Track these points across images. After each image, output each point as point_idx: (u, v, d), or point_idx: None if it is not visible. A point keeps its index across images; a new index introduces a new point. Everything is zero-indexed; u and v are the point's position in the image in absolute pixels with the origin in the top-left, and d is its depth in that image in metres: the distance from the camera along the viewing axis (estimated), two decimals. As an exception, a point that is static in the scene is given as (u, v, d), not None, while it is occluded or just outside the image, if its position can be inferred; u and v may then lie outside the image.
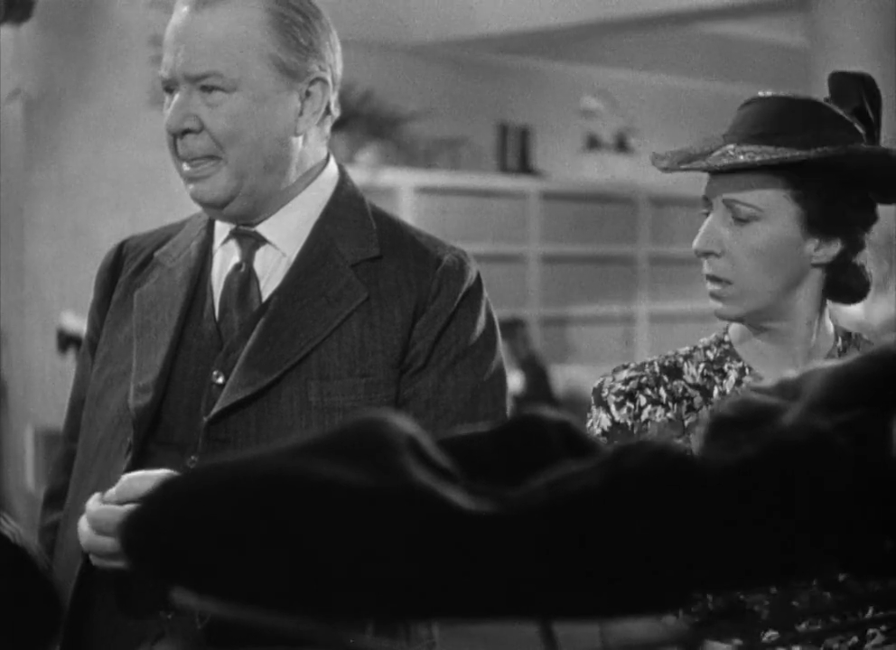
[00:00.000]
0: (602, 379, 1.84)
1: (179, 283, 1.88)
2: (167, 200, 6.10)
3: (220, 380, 1.81)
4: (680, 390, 1.82)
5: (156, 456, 1.80)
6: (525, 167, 9.37)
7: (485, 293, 1.87)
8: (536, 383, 7.84)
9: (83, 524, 1.74)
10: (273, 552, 0.75)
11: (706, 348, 1.86)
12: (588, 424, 1.82)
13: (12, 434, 6.37)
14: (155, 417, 1.82)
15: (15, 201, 6.35)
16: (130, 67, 6.52)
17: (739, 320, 1.81)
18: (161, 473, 1.69)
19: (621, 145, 9.83)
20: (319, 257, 1.84)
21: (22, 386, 6.38)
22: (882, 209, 1.82)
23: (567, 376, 8.51)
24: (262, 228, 1.86)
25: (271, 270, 1.86)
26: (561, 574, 0.75)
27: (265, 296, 1.84)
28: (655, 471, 0.77)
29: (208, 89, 1.79)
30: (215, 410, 1.78)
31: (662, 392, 1.82)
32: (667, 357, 1.86)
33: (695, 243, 1.79)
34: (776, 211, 1.75)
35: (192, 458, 1.78)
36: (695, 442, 1.79)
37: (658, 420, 1.80)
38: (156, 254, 1.94)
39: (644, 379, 1.82)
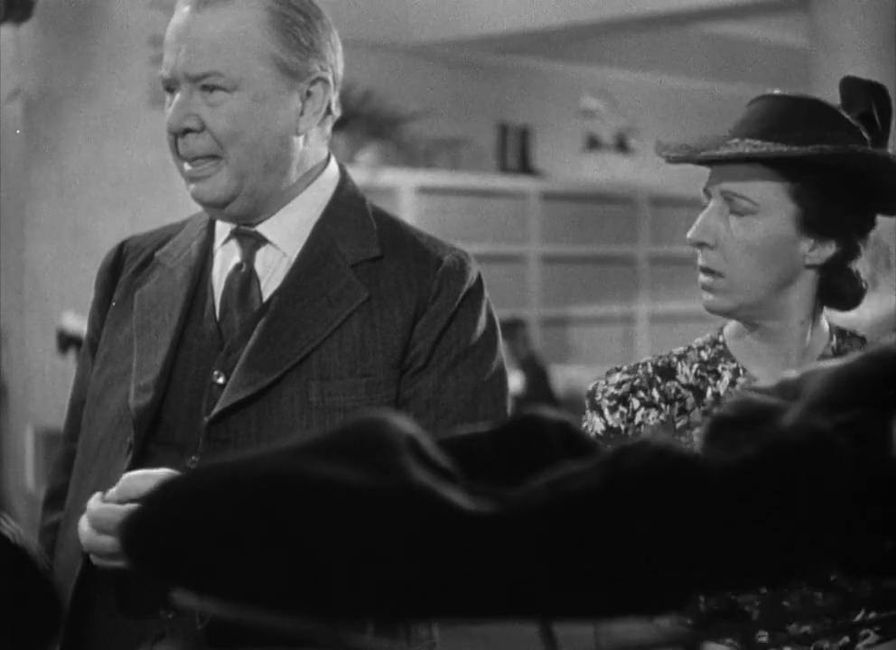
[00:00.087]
0: (595, 382, 1.84)
1: (179, 282, 1.88)
2: (167, 200, 6.11)
3: (221, 380, 1.81)
4: (673, 391, 1.82)
5: (157, 456, 1.80)
6: (525, 167, 9.37)
7: (486, 294, 1.87)
8: (536, 383, 7.84)
9: (83, 524, 1.74)
10: (273, 553, 0.75)
11: (700, 348, 1.86)
12: (582, 428, 1.82)
13: (12, 434, 6.37)
14: (156, 417, 1.82)
15: (15, 201, 6.35)
16: (130, 67, 6.52)
17: (728, 313, 1.80)
18: (162, 472, 1.70)
19: (621, 145, 9.83)
20: (320, 257, 1.84)
21: (22, 386, 6.38)
22: None
23: (567, 377, 8.51)
24: (263, 228, 1.86)
25: (272, 270, 1.86)
26: (561, 574, 0.75)
27: (265, 296, 1.84)
28: (655, 471, 0.77)
29: (209, 89, 1.79)
30: (216, 410, 1.78)
31: (655, 393, 1.81)
32: (660, 357, 1.86)
33: (690, 233, 1.79)
34: (773, 207, 1.75)
35: (193, 458, 1.78)
36: (686, 444, 1.80)
37: (652, 422, 1.80)
38: (157, 254, 1.94)
39: (637, 382, 1.82)
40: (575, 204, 9.33)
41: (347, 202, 1.89)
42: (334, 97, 1.87)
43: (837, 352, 1.82)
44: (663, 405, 1.81)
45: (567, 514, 0.76)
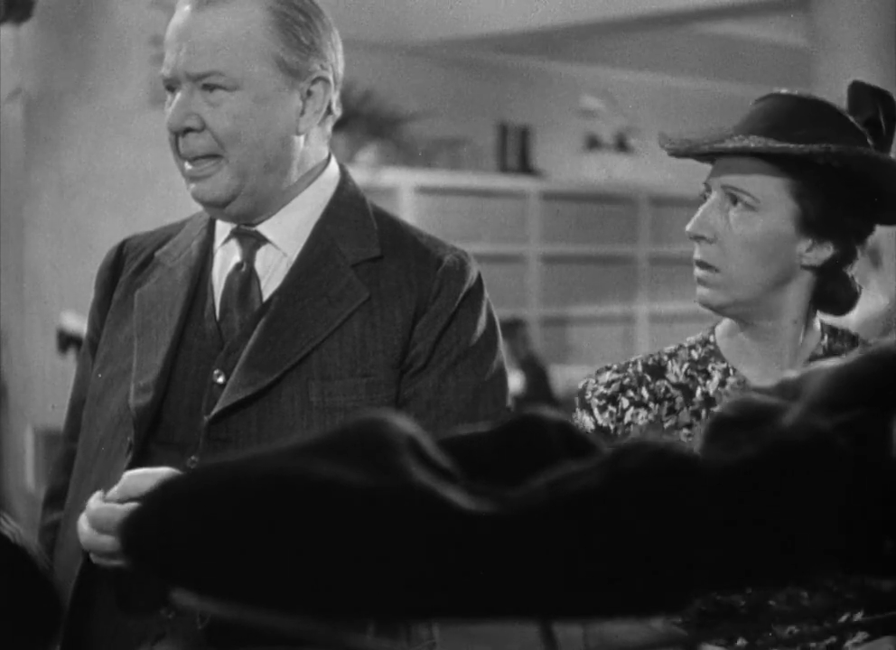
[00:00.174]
0: (585, 381, 1.84)
1: (180, 282, 1.88)
2: (167, 200, 6.10)
3: (221, 380, 1.81)
4: (663, 390, 1.82)
5: (157, 456, 1.80)
6: (525, 167, 9.37)
7: (486, 294, 1.87)
8: (536, 383, 7.84)
9: (83, 523, 1.74)
10: (273, 553, 0.75)
11: (691, 347, 1.85)
12: None
13: (12, 434, 6.37)
14: (156, 417, 1.82)
15: (15, 201, 6.35)
16: (130, 67, 6.52)
17: (721, 309, 1.80)
18: (162, 471, 1.70)
19: (621, 145, 9.83)
20: (320, 257, 1.84)
21: (22, 386, 6.38)
22: None
23: (567, 376, 8.51)
24: (263, 228, 1.86)
25: (272, 270, 1.86)
26: (561, 574, 0.75)
27: (265, 296, 1.84)
28: (655, 471, 0.77)
29: (209, 88, 1.79)
30: (216, 410, 1.78)
31: (644, 392, 1.81)
32: (651, 355, 1.86)
33: (689, 226, 1.79)
34: (773, 205, 1.74)
35: (193, 458, 1.78)
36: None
37: (641, 422, 1.80)
38: (157, 253, 1.94)
39: (627, 381, 1.82)
40: (575, 204, 9.33)
41: (347, 202, 1.89)
42: (335, 96, 1.87)
43: (829, 352, 1.81)
44: (652, 405, 1.81)
45: (567, 514, 0.76)
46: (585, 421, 1.81)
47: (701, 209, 1.78)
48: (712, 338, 1.85)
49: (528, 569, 0.75)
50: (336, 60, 1.86)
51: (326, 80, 1.84)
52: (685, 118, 10.02)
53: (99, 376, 1.91)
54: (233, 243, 1.88)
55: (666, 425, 1.81)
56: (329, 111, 1.87)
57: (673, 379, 1.82)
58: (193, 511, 0.76)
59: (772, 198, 1.74)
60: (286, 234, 1.86)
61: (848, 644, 1.68)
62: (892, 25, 6.95)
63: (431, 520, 0.75)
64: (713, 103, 9.58)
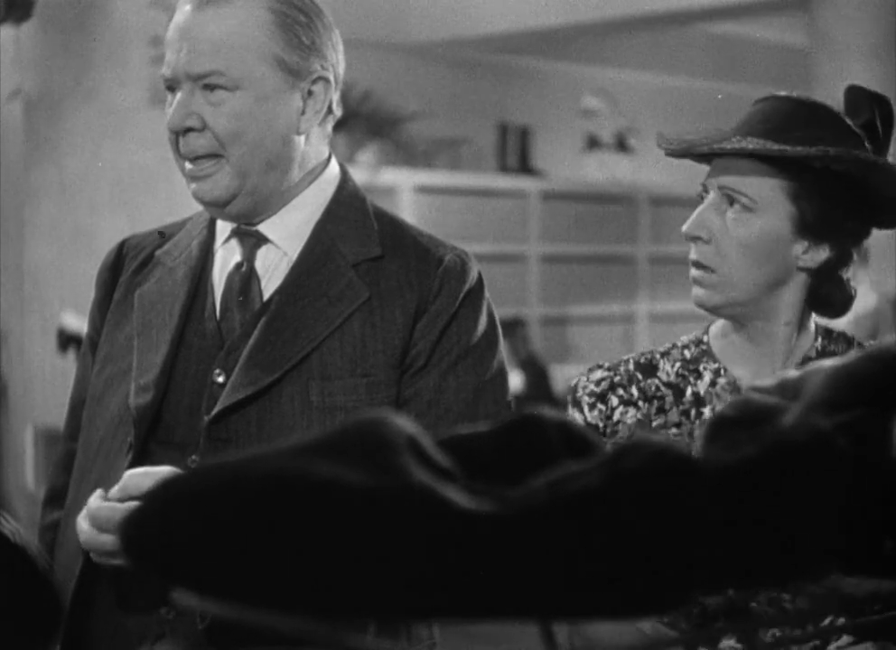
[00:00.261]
0: (577, 379, 1.85)
1: (180, 282, 1.88)
2: (167, 200, 6.11)
3: (221, 379, 1.81)
4: (653, 388, 1.82)
5: (157, 455, 1.80)
6: (525, 167, 9.37)
7: (486, 293, 1.87)
8: (536, 383, 7.84)
9: (82, 522, 1.74)
10: (273, 552, 0.75)
11: (685, 346, 1.86)
12: None
13: (12, 434, 6.37)
14: (156, 416, 1.82)
15: (15, 201, 6.35)
16: (130, 67, 6.52)
17: (715, 309, 1.80)
18: (163, 470, 1.69)
19: (621, 145, 9.83)
20: (320, 257, 1.84)
21: (22, 386, 6.38)
22: None
23: (567, 376, 8.50)
24: (263, 228, 1.86)
25: (272, 269, 1.86)
26: (561, 574, 0.75)
27: (266, 295, 1.84)
28: (655, 471, 0.77)
29: (210, 88, 1.79)
30: (216, 409, 1.78)
31: (634, 391, 1.82)
32: (643, 354, 1.86)
33: (685, 226, 1.79)
34: (770, 206, 1.74)
35: (193, 457, 1.78)
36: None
37: (629, 421, 1.81)
38: (157, 253, 1.94)
39: (617, 379, 1.82)
40: (575, 204, 9.33)
41: (348, 202, 1.89)
42: (335, 96, 1.87)
43: (822, 354, 1.81)
44: (641, 403, 1.81)
45: (567, 514, 0.76)
46: (576, 418, 1.81)
47: (698, 210, 1.78)
48: (705, 338, 1.85)
49: (528, 569, 0.75)
50: (337, 60, 1.86)
51: (327, 80, 1.84)
52: (685, 118, 10.02)
53: (99, 375, 1.91)
54: (233, 242, 1.88)
55: (654, 424, 1.81)
56: (329, 111, 1.87)
57: (664, 378, 1.83)
58: (194, 510, 0.76)
59: (769, 199, 1.74)
60: (287, 233, 1.86)
61: (831, 647, 1.68)
62: (892, 25, 6.95)
63: (431, 520, 0.75)
64: (712, 103, 9.57)
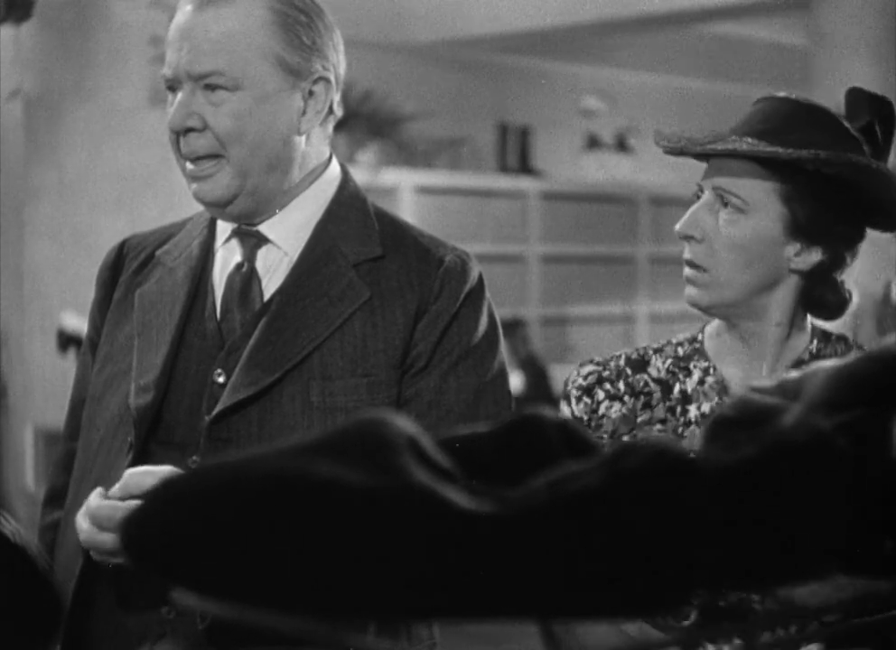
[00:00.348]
0: (570, 373, 1.86)
1: (180, 282, 1.88)
2: (167, 200, 6.11)
3: (222, 380, 1.81)
4: (641, 384, 1.83)
5: (157, 455, 1.79)
6: (525, 167, 9.37)
7: (487, 294, 1.87)
8: (536, 383, 7.84)
9: (82, 521, 1.74)
10: (273, 552, 0.75)
11: (679, 344, 1.86)
12: None
13: (12, 434, 6.37)
14: (156, 417, 1.82)
15: (15, 202, 6.35)
16: (130, 67, 6.52)
17: (706, 309, 1.80)
18: (164, 470, 1.69)
19: (621, 145, 9.83)
20: (321, 257, 1.84)
21: (22, 386, 6.38)
22: None
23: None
24: (264, 228, 1.86)
25: (273, 269, 1.86)
26: (561, 574, 0.75)
27: (266, 296, 1.84)
28: (655, 471, 0.77)
29: (211, 88, 1.79)
30: (217, 409, 1.78)
31: (621, 385, 1.83)
32: (637, 349, 1.87)
33: (678, 225, 1.80)
34: (762, 208, 1.75)
35: (194, 457, 1.78)
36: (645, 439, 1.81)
37: (614, 415, 1.81)
38: (158, 253, 1.94)
39: (606, 373, 1.83)
40: (575, 204, 9.33)
41: (348, 202, 1.89)
42: (336, 96, 1.87)
43: (816, 356, 1.80)
44: (627, 398, 1.82)
45: (567, 514, 0.76)
46: (564, 411, 1.83)
47: (691, 209, 1.79)
48: (699, 337, 1.86)
49: (528, 569, 0.75)
50: (338, 61, 1.86)
51: (328, 80, 1.84)
52: (685, 118, 10.02)
53: (100, 375, 1.91)
54: (234, 242, 1.88)
55: (639, 419, 1.82)
56: (330, 111, 1.87)
57: (654, 374, 1.83)
58: (194, 510, 0.76)
59: (762, 201, 1.74)
60: (287, 234, 1.86)
61: None
62: (893, 25, 6.95)
63: (431, 520, 0.75)
64: (712, 103, 9.58)
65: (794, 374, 0.89)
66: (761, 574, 0.79)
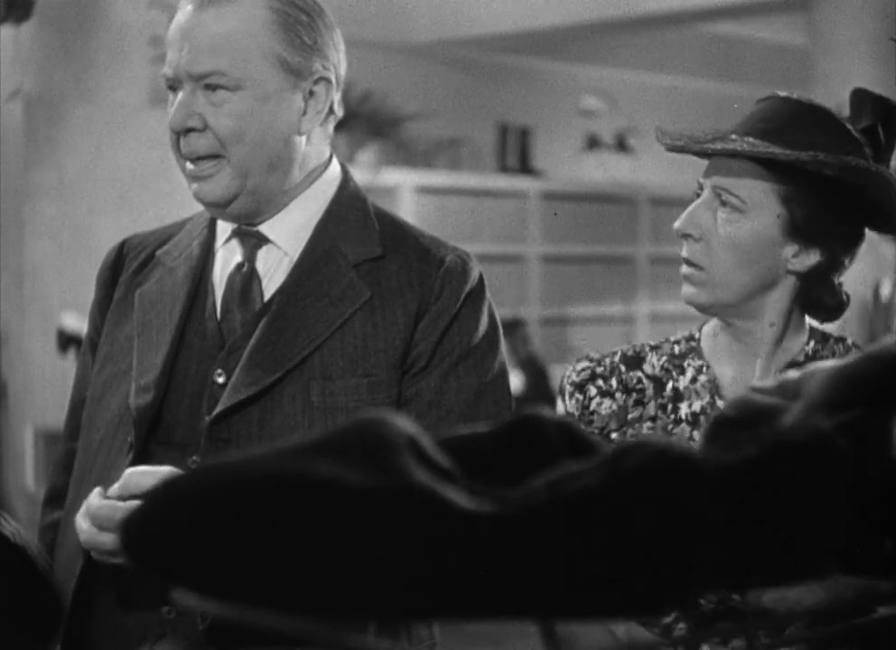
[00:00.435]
0: (566, 368, 1.87)
1: (180, 282, 1.88)
2: (167, 200, 6.10)
3: (222, 380, 1.81)
4: (634, 381, 1.83)
5: (157, 456, 1.79)
6: (525, 167, 9.37)
7: (487, 294, 1.87)
8: (536, 383, 7.84)
9: (81, 520, 1.74)
10: (273, 553, 0.75)
11: (676, 341, 1.87)
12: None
13: (12, 434, 6.37)
14: (156, 417, 1.82)
15: (15, 201, 6.35)
16: (130, 67, 6.52)
17: (702, 307, 1.80)
18: (164, 470, 1.70)
19: (621, 145, 9.83)
20: (321, 257, 1.84)
21: (22, 386, 6.38)
22: None
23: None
24: (264, 228, 1.86)
25: (273, 269, 1.86)
26: (561, 574, 0.75)
27: (267, 296, 1.84)
28: (655, 471, 0.77)
29: (211, 88, 1.79)
30: (217, 410, 1.78)
31: (614, 382, 1.83)
32: (634, 346, 1.87)
33: (677, 222, 1.80)
34: (761, 208, 1.74)
35: (194, 458, 1.78)
36: (631, 437, 1.82)
37: (604, 412, 1.82)
38: (158, 253, 1.94)
39: (600, 370, 1.84)
40: (575, 204, 9.33)
41: (349, 202, 1.89)
42: (337, 96, 1.87)
43: (811, 357, 1.80)
44: (618, 395, 1.82)
45: (567, 514, 0.76)
46: (559, 407, 1.84)
47: (690, 207, 1.79)
48: (697, 335, 1.86)
49: (528, 569, 0.75)
50: (338, 61, 1.86)
51: (328, 80, 1.84)
52: (685, 118, 10.01)
53: (100, 375, 1.91)
54: (234, 243, 1.88)
55: (630, 416, 1.82)
56: (331, 111, 1.86)
57: (649, 370, 1.84)
58: (194, 510, 0.76)
59: (760, 201, 1.74)
60: (288, 234, 1.86)
61: None
62: (892, 25, 6.95)
63: (431, 520, 0.75)
64: (712, 103, 9.57)
65: (794, 374, 0.89)
66: (761, 574, 0.79)
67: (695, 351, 1.84)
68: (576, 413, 1.83)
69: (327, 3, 1.89)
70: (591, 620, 0.77)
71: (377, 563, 0.74)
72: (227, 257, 1.88)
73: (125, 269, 1.96)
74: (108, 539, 1.70)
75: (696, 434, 1.79)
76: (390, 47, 8.63)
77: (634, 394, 1.83)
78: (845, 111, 1.80)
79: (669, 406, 1.82)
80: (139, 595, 1.78)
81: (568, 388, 1.85)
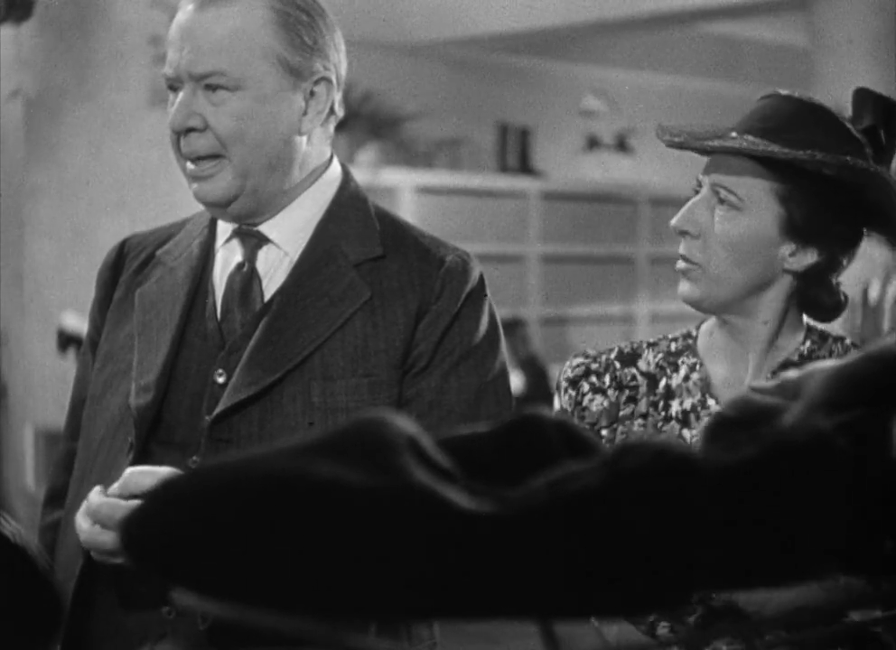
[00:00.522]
0: (564, 365, 1.88)
1: (180, 281, 1.88)
2: (167, 201, 6.11)
3: (222, 380, 1.81)
4: (629, 377, 1.84)
5: (157, 456, 1.80)
6: (525, 167, 9.37)
7: (488, 294, 1.87)
8: (536, 383, 7.84)
9: (82, 521, 1.74)
10: (273, 553, 0.75)
11: (674, 339, 1.87)
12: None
13: (12, 434, 6.37)
14: (156, 417, 1.82)
15: (15, 201, 6.35)
16: (130, 67, 6.52)
17: (698, 304, 1.80)
18: (164, 470, 1.70)
19: (621, 145, 9.83)
20: (322, 257, 1.84)
21: (22, 386, 6.38)
22: None
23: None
24: (265, 228, 1.86)
25: (273, 269, 1.86)
26: (561, 574, 0.75)
27: (267, 296, 1.84)
28: (655, 471, 0.77)
29: (212, 88, 1.79)
30: (218, 410, 1.78)
31: (607, 379, 1.83)
32: (632, 343, 1.88)
33: (675, 219, 1.80)
34: (758, 206, 1.74)
35: (194, 458, 1.78)
36: (622, 434, 1.82)
37: (595, 409, 1.82)
38: (158, 252, 1.94)
39: (594, 366, 1.84)
40: (575, 204, 9.32)
41: (349, 202, 1.89)
42: (337, 96, 1.87)
43: (806, 358, 1.79)
44: (611, 392, 1.83)
45: (567, 514, 0.76)
46: (555, 402, 1.85)
47: (688, 204, 1.79)
48: (694, 333, 1.86)
49: (528, 569, 0.75)
50: (339, 61, 1.86)
51: (329, 81, 1.84)
52: (685, 118, 9.99)
53: (100, 375, 1.91)
54: (235, 242, 1.88)
55: (621, 413, 1.82)
56: (331, 111, 1.86)
57: (644, 367, 1.84)
58: (194, 511, 0.76)
59: (758, 200, 1.74)
60: (288, 234, 1.86)
61: None
62: (892, 25, 6.95)
63: (431, 520, 0.75)
64: (712, 103, 9.58)
65: (794, 374, 0.89)
66: (761, 574, 0.79)
67: (691, 349, 1.84)
68: (569, 409, 1.83)
69: (327, 3, 1.89)
70: (591, 620, 0.77)
71: (377, 563, 0.75)
72: (227, 257, 1.88)
73: (125, 269, 1.96)
74: (109, 538, 1.70)
75: (686, 432, 1.78)
76: (390, 47, 8.64)
77: (627, 391, 1.83)
78: (845, 111, 1.80)
79: (661, 404, 1.82)
80: (139, 595, 1.78)
81: (564, 384, 1.85)
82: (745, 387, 1.79)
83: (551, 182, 9.31)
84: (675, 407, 1.81)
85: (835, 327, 1.88)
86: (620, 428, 1.81)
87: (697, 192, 1.80)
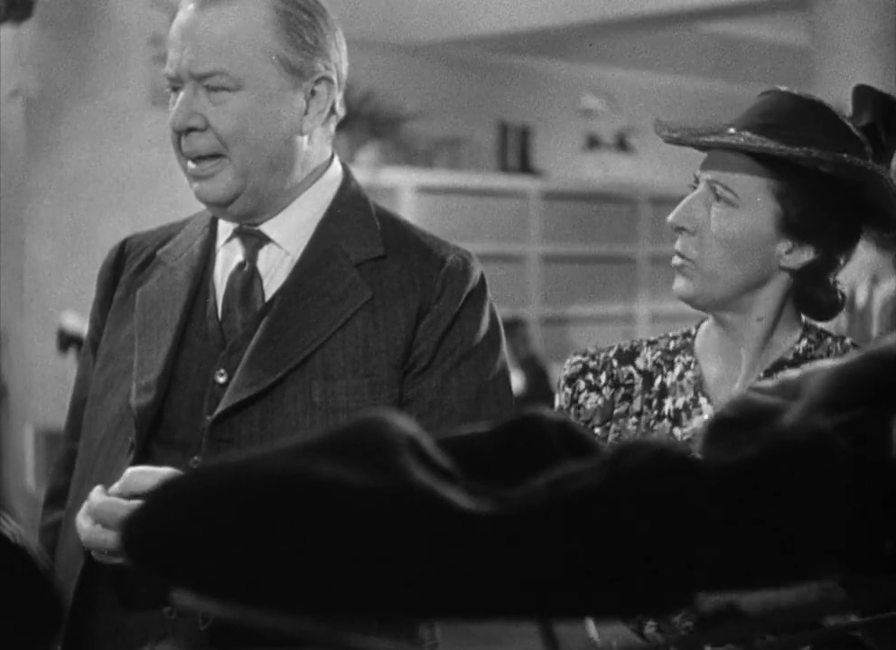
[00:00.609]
0: (564, 363, 1.88)
1: (181, 281, 1.88)
2: (167, 200, 6.10)
3: (223, 380, 1.81)
4: (625, 376, 1.84)
5: (158, 456, 1.79)
6: (525, 167, 9.37)
7: (489, 294, 1.87)
8: (536, 383, 7.84)
9: (82, 520, 1.74)
10: (274, 553, 0.75)
11: (673, 337, 1.87)
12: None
13: (12, 434, 6.37)
14: (157, 417, 1.82)
15: (15, 201, 6.35)
16: (130, 67, 6.52)
17: (693, 301, 1.80)
18: (165, 470, 1.70)
19: (621, 145, 9.83)
20: (323, 257, 1.84)
21: (22, 386, 6.38)
22: None
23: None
24: (266, 227, 1.86)
25: (274, 269, 1.86)
26: (561, 574, 0.75)
27: (268, 295, 1.84)
28: (655, 471, 0.77)
29: (213, 88, 1.79)
30: (219, 410, 1.78)
31: (603, 377, 1.83)
32: (632, 341, 1.88)
33: (671, 215, 1.80)
34: (754, 204, 1.74)
35: (195, 458, 1.78)
36: (615, 432, 1.82)
37: (590, 406, 1.82)
38: (159, 252, 1.94)
39: (592, 364, 1.85)
40: (575, 204, 9.32)
41: (350, 202, 1.89)
42: (338, 96, 1.87)
43: (801, 357, 1.78)
44: (606, 390, 1.83)
45: (567, 514, 0.76)
46: (555, 399, 1.85)
47: (685, 200, 1.79)
48: (693, 332, 1.86)
49: (528, 569, 0.75)
50: (340, 60, 1.86)
51: (330, 80, 1.84)
52: (684, 117, 10.00)
53: (101, 374, 1.91)
54: (235, 242, 1.88)
55: (616, 411, 1.82)
56: (332, 111, 1.86)
57: (641, 365, 1.84)
58: (195, 511, 0.76)
59: (754, 197, 1.74)
60: (289, 233, 1.86)
61: None
62: (893, 24, 6.95)
63: (431, 520, 0.75)
64: (712, 103, 9.57)
65: (794, 373, 0.89)
66: (761, 574, 0.79)
67: (688, 347, 1.84)
68: (565, 407, 1.84)
69: (328, 2, 1.89)
70: (591, 620, 0.77)
71: (377, 563, 0.75)
72: (228, 257, 1.88)
73: (125, 269, 1.96)
74: (109, 538, 1.70)
75: (677, 431, 1.78)
76: (390, 47, 8.64)
77: (623, 389, 1.83)
78: (845, 110, 1.80)
79: (654, 402, 1.81)
80: (140, 595, 1.78)
81: (562, 382, 1.86)
82: (738, 385, 1.79)
83: (551, 182, 9.31)
84: (668, 405, 1.81)
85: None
86: (614, 426, 1.81)
87: (694, 188, 1.80)
